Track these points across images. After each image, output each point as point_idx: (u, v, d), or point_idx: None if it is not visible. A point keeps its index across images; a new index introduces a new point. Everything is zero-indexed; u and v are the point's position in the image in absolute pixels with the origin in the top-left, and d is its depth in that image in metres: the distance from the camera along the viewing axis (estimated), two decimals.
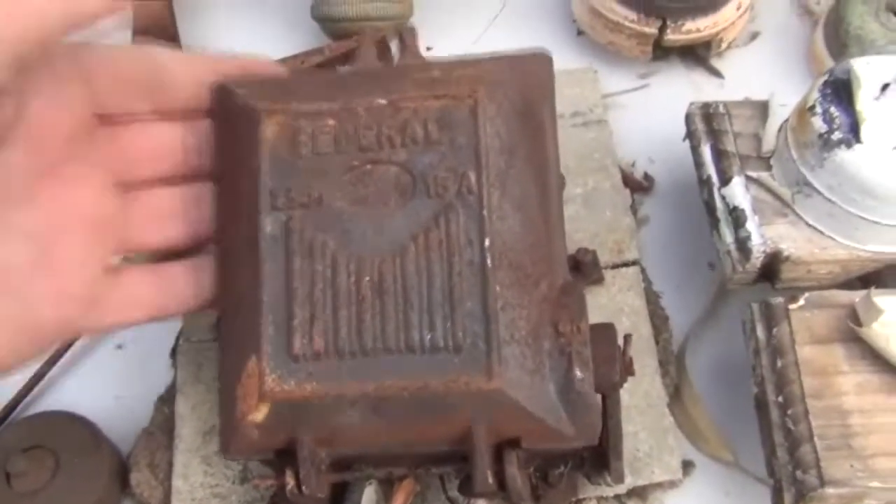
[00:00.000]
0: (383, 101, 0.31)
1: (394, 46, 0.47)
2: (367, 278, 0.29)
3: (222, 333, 0.32)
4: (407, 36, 0.34)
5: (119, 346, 0.43)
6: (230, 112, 0.32)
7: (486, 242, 0.29)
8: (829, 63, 0.44)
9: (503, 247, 0.29)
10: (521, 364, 0.29)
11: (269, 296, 0.30)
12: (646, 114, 0.46)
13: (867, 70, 0.34)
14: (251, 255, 0.30)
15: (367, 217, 0.30)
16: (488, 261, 0.29)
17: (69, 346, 0.42)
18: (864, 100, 0.34)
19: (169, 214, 0.33)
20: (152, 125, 0.33)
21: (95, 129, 0.32)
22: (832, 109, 0.34)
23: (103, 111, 0.32)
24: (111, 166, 0.32)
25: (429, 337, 0.29)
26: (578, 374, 0.29)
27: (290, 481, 0.30)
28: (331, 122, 0.31)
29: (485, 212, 0.30)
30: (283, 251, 0.30)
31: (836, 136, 0.34)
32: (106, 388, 0.42)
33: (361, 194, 0.30)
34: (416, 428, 0.29)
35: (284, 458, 0.31)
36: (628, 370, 0.33)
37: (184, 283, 0.33)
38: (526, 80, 0.32)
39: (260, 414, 0.29)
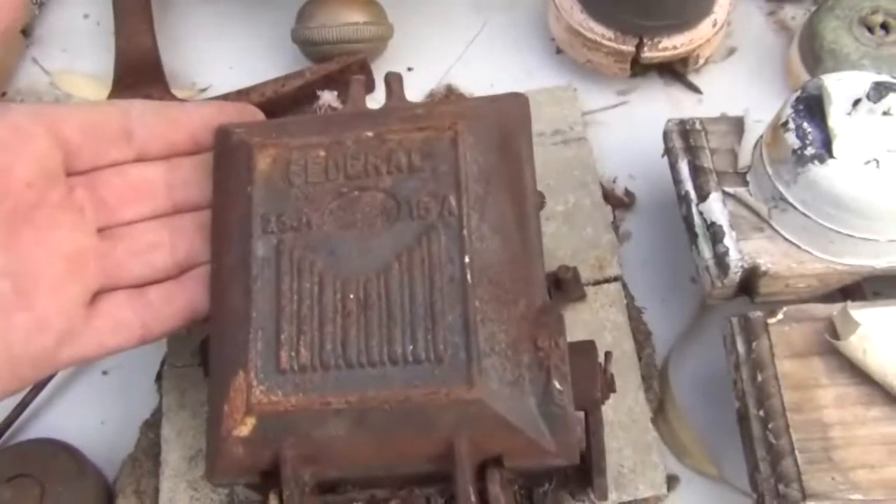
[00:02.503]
0: (370, 134, 0.33)
1: (374, 68, 0.47)
2: (353, 295, 0.31)
3: (212, 354, 0.33)
4: (392, 81, 0.37)
5: (104, 373, 0.43)
6: (228, 148, 0.35)
7: (466, 259, 0.31)
8: (806, 77, 0.45)
9: (482, 265, 0.31)
10: (500, 375, 0.29)
11: (258, 312, 0.31)
12: (625, 130, 0.47)
13: (838, 86, 0.35)
14: (243, 275, 0.32)
15: (354, 239, 0.32)
16: (468, 277, 0.30)
17: (53, 374, 0.42)
18: (836, 116, 0.34)
19: (153, 246, 0.35)
20: (130, 168, 0.35)
21: (66, 177, 0.34)
22: (805, 125, 0.35)
23: (80, 161, 0.34)
24: (89, 209, 0.34)
25: (411, 349, 0.30)
26: (557, 386, 0.30)
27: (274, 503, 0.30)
28: (321, 153, 0.33)
29: (465, 231, 0.31)
30: (274, 271, 0.32)
31: (809, 151, 0.34)
32: (91, 415, 0.42)
33: (349, 219, 0.32)
34: (398, 442, 0.30)
35: (269, 481, 0.31)
36: (610, 387, 0.33)
37: (166, 304, 0.34)
38: (503, 115, 0.34)
39: (246, 428, 0.30)
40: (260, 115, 0.38)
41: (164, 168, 0.36)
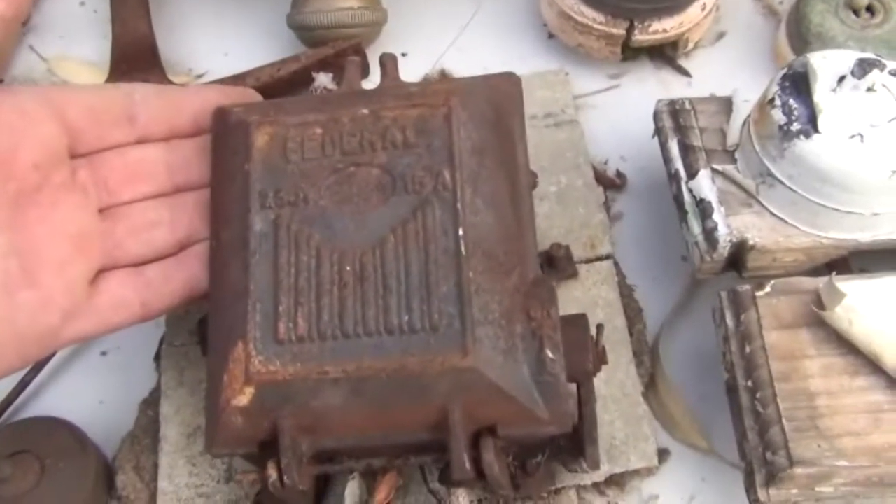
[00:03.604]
0: (366, 111, 0.34)
1: (369, 53, 0.48)
2: (349, 268, 0.31)
3: (211, 328, 0.33)
4: (387, 62, 0.37)
5: (103, 353, 0.43)
6: (226, 127, 0.35)
7: (460, 232, 0.31)
8: None
9: (476, 237, 0.31)
10: (494, 344, 0.30)
11: (256, 285, 0.32)
12: (617, 113, 0.47)
13: (823, 64, 0.35)
14: (241, 250, 0.32)
15: (350, 213, 0.33)
16: (462, 248, 0.31)
17: (53, 353, 0.42)
18: (821, 92, 0.35)
19: (153, 224, 0.36)
20: (131, 150, 0.36)
21: (70, 159, 0.34)
22: (791, 102, 0.35)
23: (83, 143, 0.35)
24: (91, 190, 0.35)
25: (406, 319, 0.30)
26: (549, 355, 0.30)
27: (273, 473, 0.30)
28: (318, 130, 0.34)
29: (459, 205, 0.32)
30: (272, 245, 0.32)
31: (795, 127, 0.35)
32: (90, 394, 0.42)
33: (345, 193, 0.33)
34: (395, 410, 0.30)
35: (267, 452, 0.31)
36: (601, 359, 0.34)
37: (164, 282, 0.35)
38: (495, 93, 0.35)
39: (245, 397, 0.30)
40: (259, 98, 0.39)
41: (164, 149, 0.37)
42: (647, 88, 0.48)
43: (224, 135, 0.35)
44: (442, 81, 0.37)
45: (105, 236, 0.35)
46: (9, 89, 0.34)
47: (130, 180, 0.36)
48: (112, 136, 0.36)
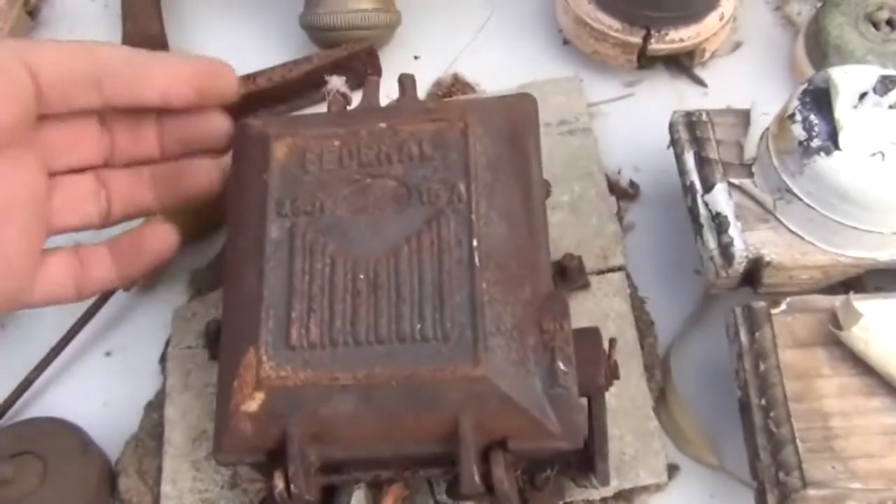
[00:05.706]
0: (383, 125, 0.35)
1: (381, 55, 0.48)
2: (363, 276, 0.32)
3: (224, 333, 0.33)
4: (406, 81, 0.38)
5: (107, 354, 0.43)
6: (246, 139, 0.36)
7: (474, 243, 0.31)
8: (811, 73, 0.45)
9: (490, 249, 0.31)
10: (506, 355, 0.30)
11: (270, 291, 0.32)
12: (631, 122, 0.47)
13: (845, 79, 0.35)
14: (256, 256, 0.33)
15: (366, 223, 0.33)
16: (476, 259, 0.31)
17: (58, 352, 0.42)
18: (843, 108, 0.34)
19: (84, 197, 0.36)
20: (77, 118, 0.36)
21: (37, 119, 0.34)
22: (811, 117, 0.35)
23: (49, 105, 0.34)
24: (42, 154, 0.35)
25: (419, 327, 0.30)
26: (562, 367, 0.30)
27: (280, 483, 0.30)
28: (336, 142, 0.34)
29: (473, 216, 0.32)
30: (286, 253, 0.33)
31: (816, 143, 0.34)
32: (94, 396, 0.42)
33: (361, 204, 0.33)
34: (404, 420, 0.30)
35: (274, 462, 0.31)
36: (614, 373, 0.34)
37: (100, 264, 0.36)
38: (511, 111, 0.35)
39: (255, 402, 0.30)
40: (233, 75, 0.37)
41: (102, 122, 0.37)
42: (662, 98, 0.48)
43: (244, 147, 0.36)
44: (458, 100, 0.37)
45: (49, 203, 0.35)
46: None
47: (72, 148, 0.36)
48: (76, 100, 0.34)
